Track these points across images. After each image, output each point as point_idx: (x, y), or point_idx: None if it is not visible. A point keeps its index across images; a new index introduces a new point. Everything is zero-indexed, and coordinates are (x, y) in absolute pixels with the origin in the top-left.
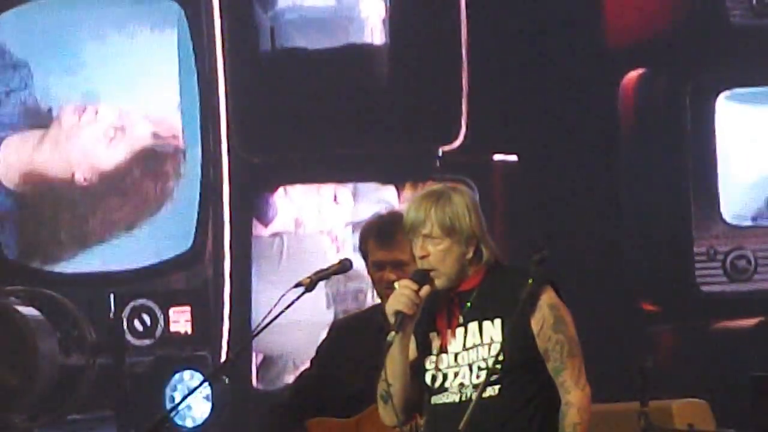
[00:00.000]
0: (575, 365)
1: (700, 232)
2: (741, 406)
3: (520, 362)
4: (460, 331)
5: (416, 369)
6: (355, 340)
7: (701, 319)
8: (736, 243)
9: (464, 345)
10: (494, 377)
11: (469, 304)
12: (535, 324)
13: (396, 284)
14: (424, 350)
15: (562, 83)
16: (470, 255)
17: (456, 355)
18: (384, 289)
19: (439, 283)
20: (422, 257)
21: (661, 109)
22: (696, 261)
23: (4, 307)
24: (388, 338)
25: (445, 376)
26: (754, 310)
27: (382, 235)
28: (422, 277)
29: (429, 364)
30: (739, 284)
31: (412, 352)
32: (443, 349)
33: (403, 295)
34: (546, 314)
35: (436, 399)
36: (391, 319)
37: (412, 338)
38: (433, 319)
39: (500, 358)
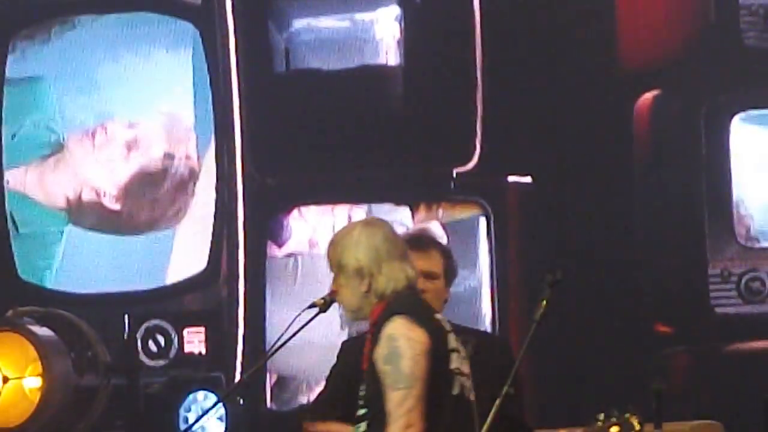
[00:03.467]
0: (395, 399)
1: (715, 253)
2: (755, 429)
3: (374, 396)
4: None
5: None
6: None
7: (715, 341)
8: (750, 265)
9: None
10: (363, 412)
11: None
12: (375, 357)
13: None
14: None
15: (577, 105)
16: (364, 288)
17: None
18: None
19: (346, 316)
20: (331, 293)
21: (675, 130)
22: (710, 283)
23: (18, 327)
24: None
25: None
26: None
27: (418, 245)
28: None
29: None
30: (754, 306)
31: None
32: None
33: None
34: (382, 346)
35: None
36: None
37: None
38: None
39: (362, 393)
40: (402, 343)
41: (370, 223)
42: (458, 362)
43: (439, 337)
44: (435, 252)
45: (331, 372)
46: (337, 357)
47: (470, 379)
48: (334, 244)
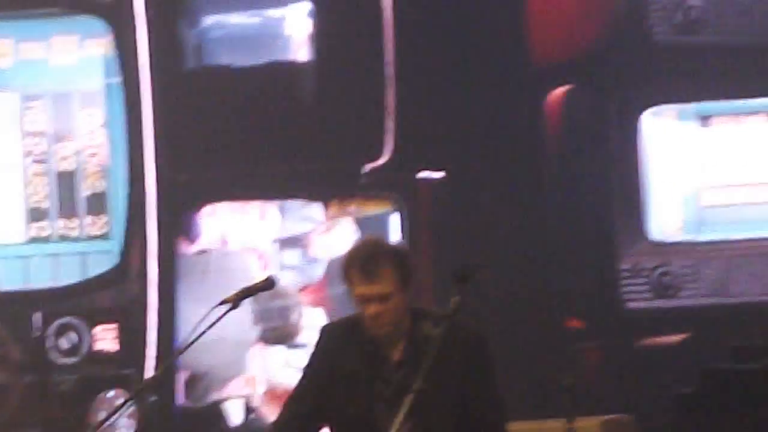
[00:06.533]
0: None
1: (626, 248)
2: (666, 423)
3: None
4: None
5: None
6: (342, 346)
7: (627, 336)
8: (661, 259)
9: None
10: None
11: None
12: None
13: None
14: None
15: (489, 100)
16: None
17: None
18: (369, 322)
19: None
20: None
21: (586, 125)
22: (621, 278)
23: None
24: None
25: None
26: (680, 327)
27: (364, 269)
28: None
29: None
30: (665, 301)
31: None
32: None
33: None
34: None
35: None
36: None
37: None
38: None
39: None
40: None
41: None
42: None
43: None
44: (384, 271)
45: (309, 360)
46: (317, 343)
47: None
48: None
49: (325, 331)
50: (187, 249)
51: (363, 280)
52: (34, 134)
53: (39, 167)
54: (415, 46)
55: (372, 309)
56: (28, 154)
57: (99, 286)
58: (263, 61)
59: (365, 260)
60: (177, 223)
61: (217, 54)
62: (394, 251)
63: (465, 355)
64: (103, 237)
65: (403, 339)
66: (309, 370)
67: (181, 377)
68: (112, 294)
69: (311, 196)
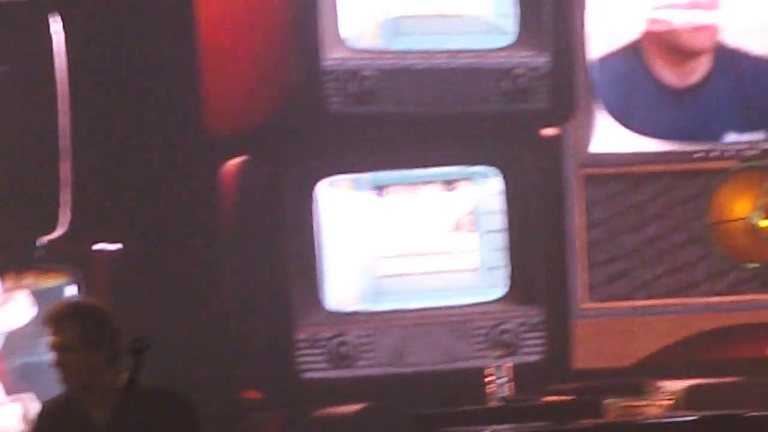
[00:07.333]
0: None
1: (302, 318)
2: None
3: None
4: None
5: None
6: (53, 421)
7: (304, 406)
8: (338, 329)
9: None
10: None
11: None
12: None
13: None
14: None
15: (164, 172)
16: None
17: None
18: (56, 371)
19: None
20: None
21: (261, 196)
22: (298, 348)
23: None
24: None
25: None
26: (357, 397)
27: (51, 319)
28: None
29: None
30: (341, 371)
31: None
32: None
33: None
34: None
35: None
36: None
37: None
38: None
39: None
40: None
41: None
42: None
43: None
44: (67, 323)
45: None
46: (38, 419)
47: None
48: None
49: (39, 412)
50: None
51: (50, 330)
52: None
53: None
54: (90, 117)
55: (57, 359)
56: None
57: None
58: None
59: (54, 311)
60: None
61: None
62: (82, 307)
63: (171, 421)
64: None
65: (111, 404)
66: None
67: None
68: None
69: None
